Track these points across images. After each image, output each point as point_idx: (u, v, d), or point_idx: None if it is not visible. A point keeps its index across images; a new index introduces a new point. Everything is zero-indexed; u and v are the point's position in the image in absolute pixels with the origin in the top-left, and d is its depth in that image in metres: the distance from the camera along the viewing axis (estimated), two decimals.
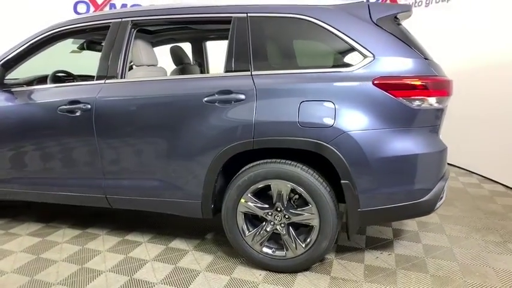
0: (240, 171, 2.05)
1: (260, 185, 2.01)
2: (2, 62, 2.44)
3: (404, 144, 1.86)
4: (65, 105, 2.23)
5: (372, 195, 1.89)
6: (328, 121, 1.84)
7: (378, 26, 1.92)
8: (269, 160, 1.99)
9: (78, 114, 2.21)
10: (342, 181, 1.87)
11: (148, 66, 2.51)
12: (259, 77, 1.97)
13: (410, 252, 2.33)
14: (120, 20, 2.28)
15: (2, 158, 2.48)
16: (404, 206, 1.93)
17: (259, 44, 2.04)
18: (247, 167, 2.04)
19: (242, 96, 1.95)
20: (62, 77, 2.85)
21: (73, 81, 2.95)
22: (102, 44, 3.02)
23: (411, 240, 2.48)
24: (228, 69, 2.05)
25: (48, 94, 2.39)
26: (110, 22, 2.30)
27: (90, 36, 2.90)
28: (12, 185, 2.52)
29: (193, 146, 2.06)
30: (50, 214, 3.01)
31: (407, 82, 1.82)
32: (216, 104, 1.99)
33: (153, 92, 2.14)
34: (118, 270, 2.16)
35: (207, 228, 2.71)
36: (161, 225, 2.78)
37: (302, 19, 1.98)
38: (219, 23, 2.34)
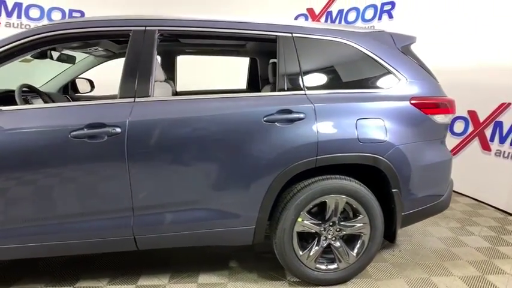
0: (295, 191, 2.03)
1: (316, 201, 2.04)
2: None
3: (433, 154, 2.21)
4: (82, 129, 1.77)
5: (411, 200, 2.17)
6: (382, 136, 2.03)
7: (402, 53, 2.23)
8: (325, 177, 2.05)
9: (104, 139, 1.78)
10: (392, 190, 2.08)
11: (161, 82, 2.22)
12: (314, 97, 2.02)
13: (412, 246, 2.72)
14: (143, 28, 1.95)
15: None
16: (431, 206, 2.28)
17: (308, 64, 2.08)
18: (301, 185, 2.04)
19: (302, 116, 1.96)
20: (27, 94, 2.21)
21: (39, 98, 2.33)
22: (65, 53, 2.51)
23: (405, 236, 2.89)
24: (280, 88, 2.02)
25: (49, 116, 1.84)
26: (130, 30, 1.95)
27: (86, 45, 2.34)
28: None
29: (251, 167, 1.93)
30: (7, 274, 2.25)
31: (436, 102, 2.17)
32: (276, 123, 1.93)
33: (204, 112, 1.91)
34: None
35: (224, 256, 2.51)
36: (167, 260, 2.43)
37: (343, 43, 2.13)
38: (261, 41, 2.25)
